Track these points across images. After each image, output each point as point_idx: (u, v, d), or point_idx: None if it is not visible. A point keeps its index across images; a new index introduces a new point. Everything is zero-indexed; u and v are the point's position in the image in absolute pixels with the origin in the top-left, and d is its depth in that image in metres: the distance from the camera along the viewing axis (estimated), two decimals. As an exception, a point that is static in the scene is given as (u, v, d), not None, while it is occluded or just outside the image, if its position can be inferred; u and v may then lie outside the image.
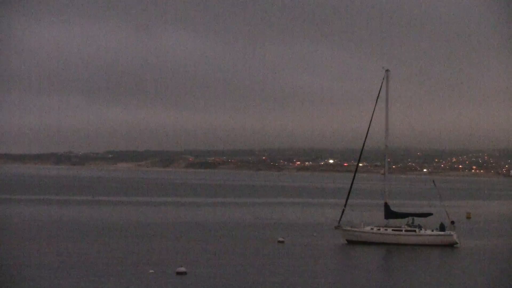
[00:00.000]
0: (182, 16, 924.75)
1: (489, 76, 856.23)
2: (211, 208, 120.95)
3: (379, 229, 70.98)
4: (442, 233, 69.92)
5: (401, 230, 70.51)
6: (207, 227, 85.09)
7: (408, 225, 71.47)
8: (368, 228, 71.37)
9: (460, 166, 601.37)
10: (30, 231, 75.11)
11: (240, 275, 48.56)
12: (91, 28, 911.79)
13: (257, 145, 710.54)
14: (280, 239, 70.59)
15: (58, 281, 44.41)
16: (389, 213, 72.83)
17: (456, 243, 69.68)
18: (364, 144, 75.07)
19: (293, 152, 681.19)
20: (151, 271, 48.65)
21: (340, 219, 72.64)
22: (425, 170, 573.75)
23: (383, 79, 74.29)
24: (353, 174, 76.60)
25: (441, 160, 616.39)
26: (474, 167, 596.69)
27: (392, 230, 70.74)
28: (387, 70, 74.55)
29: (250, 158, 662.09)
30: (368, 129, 74.19)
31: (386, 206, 72.90)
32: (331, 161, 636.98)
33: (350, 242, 70.40)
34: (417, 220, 72.25)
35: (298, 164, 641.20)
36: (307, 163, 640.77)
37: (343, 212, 73.32)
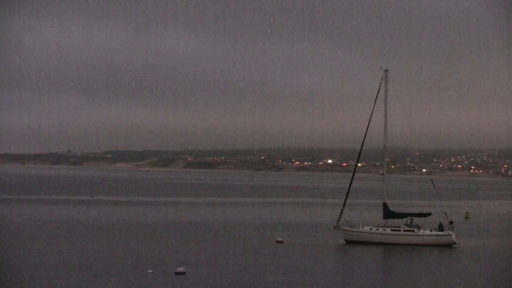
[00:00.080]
0: (182, 16, 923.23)
1: (488, 76, 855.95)
2: (210, 208, 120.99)
3: (377, 229, 71.06)
4: (440, 233, 70.03)
5: (400, 230, 70.60)
6: (206, 227, 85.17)
7: (406, 225, 71.56)
8: (366, 228, 71.45)
9: (459, 166, 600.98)
10: (29, 231, 75.18)
11: (239, 275, 48.67)
12: (91, 28, 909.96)
13: (256, 145, 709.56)
14: (279, 239, 70.66)
15: (58, 281, 44.51)
16: (388, 213, 72.88)
17: (455, 243, 69.80)
18: (363, 144, 75.11)
19: (292, 152, 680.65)
20: (150, 271, 48.75)
21: (339, 219, 72.72)
22: (424, 170, 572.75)
23: (382, 79, 74.35)
24: (352, 174, 76.76)
25: (440, 160, 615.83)
26: (473, 167, 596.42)
27: (391, 230, 70.83)
28: (386, 70, 74.62)
29: (249, 158, 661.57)
30: (367, 129, 74.27)
31: (385, 206, 72.94)
32: (330, 161, 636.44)
33: (349, 242, 70.47)
34: (416, 220, 72.36)
35: (297, 164, 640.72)
36: (306, 163, 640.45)
37: (341, 212, 73.34)
